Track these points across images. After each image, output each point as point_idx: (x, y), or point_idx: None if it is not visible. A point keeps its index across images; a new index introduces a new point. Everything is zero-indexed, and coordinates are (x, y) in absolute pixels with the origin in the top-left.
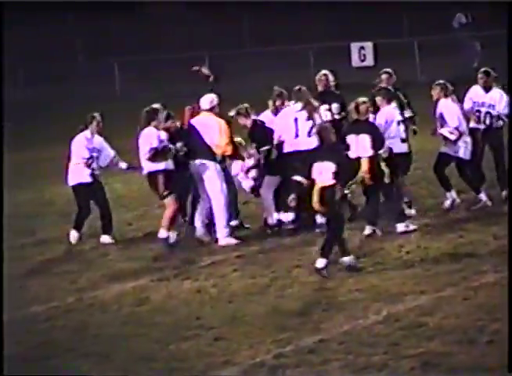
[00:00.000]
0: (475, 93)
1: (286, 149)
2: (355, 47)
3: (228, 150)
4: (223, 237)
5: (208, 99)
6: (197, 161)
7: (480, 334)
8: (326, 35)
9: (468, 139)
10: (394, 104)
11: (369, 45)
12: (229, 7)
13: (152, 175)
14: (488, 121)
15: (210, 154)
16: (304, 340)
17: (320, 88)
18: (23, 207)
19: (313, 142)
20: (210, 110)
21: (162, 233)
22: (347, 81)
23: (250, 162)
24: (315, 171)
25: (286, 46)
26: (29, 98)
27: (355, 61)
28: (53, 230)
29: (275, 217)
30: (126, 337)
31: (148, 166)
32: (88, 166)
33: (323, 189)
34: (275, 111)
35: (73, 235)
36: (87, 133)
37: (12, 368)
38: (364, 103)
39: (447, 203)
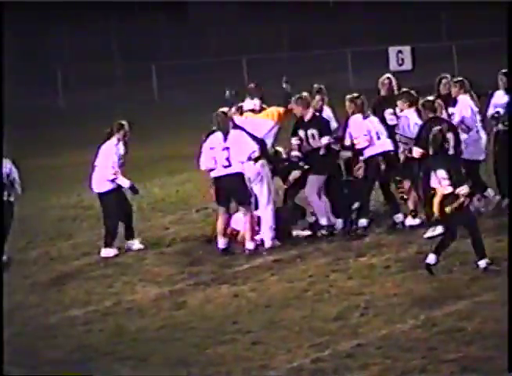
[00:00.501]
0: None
1: (371, 151)
2: (393, 51)
3: (283, 115)
4: (269, 239)
5: (252, 102)
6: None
7: None
8: (363, 39)
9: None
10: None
11: (407, 48)
12: (268, 11)
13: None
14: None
15: (262, 152)
16: (342, 344)
17: (383, 93)
18: (59, 211)
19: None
20: (253, 111)
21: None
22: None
23: (294, 154)
24: (434, 179)
25: (324, 50)
26: (67, 102)
27: (393, 65)
28: (90, 234)
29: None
30: (163, 341)
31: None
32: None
33: (444, 197)
34: (320, 108)
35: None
36: (114, 140)
37: (51, 371)
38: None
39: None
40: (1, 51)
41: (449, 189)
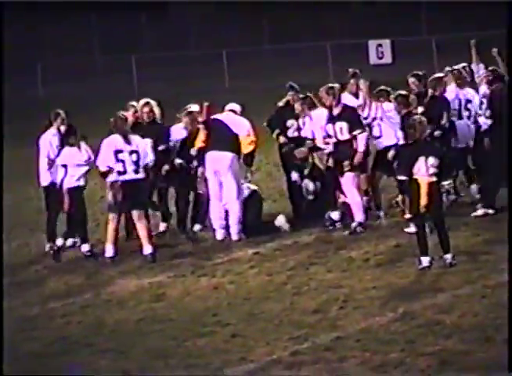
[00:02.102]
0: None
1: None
2: (372, 44)
3: (253, 146)
4: (235, 233)
5: (238, 106)
6: (219, 153)
7: (497, 333)
8: (343, 33)
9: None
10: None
11: (386, 42)
12: (247, 5)
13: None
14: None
15: (234, 147)
16: (321, 337)
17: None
18: (38, 202)
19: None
20: (234, 112)
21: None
22: (364, 79)
23: (327, 149)
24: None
25: (304, 43)
26: (47, 94)
27: (373, 58)
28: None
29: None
30: (142, 333)
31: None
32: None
33: (430, 185)
34: (356, 92)
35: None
36: (52, 131)
37: (28, 364)
38: None
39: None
40: (1, 51)
41: (434, 179)
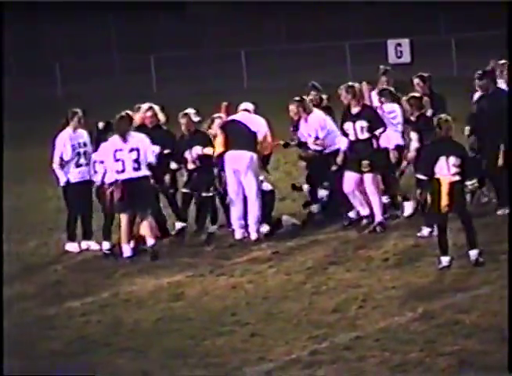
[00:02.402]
0: None
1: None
2: (391, 44)
3: (269, 149)
4: (254, 232)
5: (251, 105)
6: (239, 152)
7: None
8: (362, 32)
9: None
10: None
11: (405, 41)
12: (265, 5)
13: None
14: None
15: (253, 146)
16: (340, 337)
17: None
18: (57, 202)
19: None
20: (247, 111)
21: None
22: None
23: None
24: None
25: (323, 43)
26: (66, 93)
27: (392, 58)
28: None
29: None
30: (161, 332)
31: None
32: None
33: (451, 185)
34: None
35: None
36: (68, 130)
37: (48, 363)
38: None
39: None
40: (0, 51)
41: (457, 178)
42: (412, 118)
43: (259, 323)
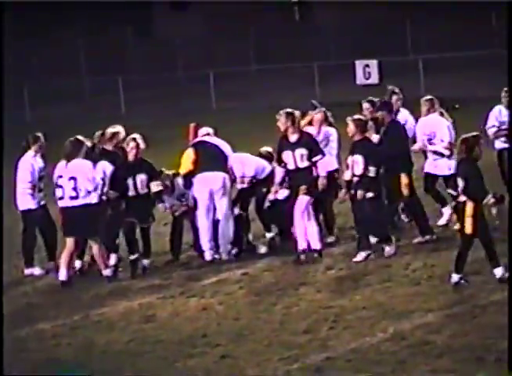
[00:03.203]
0: (499, 112)
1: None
2: (359, 64)
3: None
4: (226, 252)
5: (210, 129)
6: (212, 173)
7: (488, 353)
8: (330, 53)
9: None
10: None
11: (373, 62)
12: (234, 25)
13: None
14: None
15: (226, 167)
16: (311, 357)
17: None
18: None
19: None
20: (208, 135)
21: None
22: (351, 99)
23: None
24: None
25: (291, 64)
26: (33, 115)
27: (360, 79)
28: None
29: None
30: (132, 354)
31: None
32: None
33: (461, 204)
34: (397, 109)
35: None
36: (31, 153)
37: None
38: None
39: (443, 219)
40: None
41: (463, 198)
42: (356, 138)
43: (230, 345)
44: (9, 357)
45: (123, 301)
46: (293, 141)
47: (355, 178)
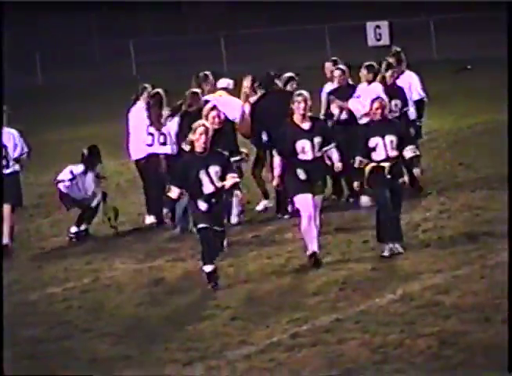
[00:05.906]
0: None
1: None
2: (370, 26)
3: (248, 132)
4: (235, 216)
5: (226, 81)
6: None
7: (496, 313)
8: (341, 15)
9: None
10: None
11: (384, 23)
12: None
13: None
14: None
15: None
16: (320, 319)
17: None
18: (38, 188)
19: None
20: (225, 89)
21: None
22: (362, 61)
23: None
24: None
25: (302, 26)
26: (46, 80)
27: (371, 40)
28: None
29: None
30: (142, 317)
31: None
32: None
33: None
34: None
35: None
36: (141, 104)
37: (28, 349)
38: None
39: None
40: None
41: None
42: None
43: (240, 307)
44: (19, 321)
45: (133, 264)
46: (308, 128)
47: None
